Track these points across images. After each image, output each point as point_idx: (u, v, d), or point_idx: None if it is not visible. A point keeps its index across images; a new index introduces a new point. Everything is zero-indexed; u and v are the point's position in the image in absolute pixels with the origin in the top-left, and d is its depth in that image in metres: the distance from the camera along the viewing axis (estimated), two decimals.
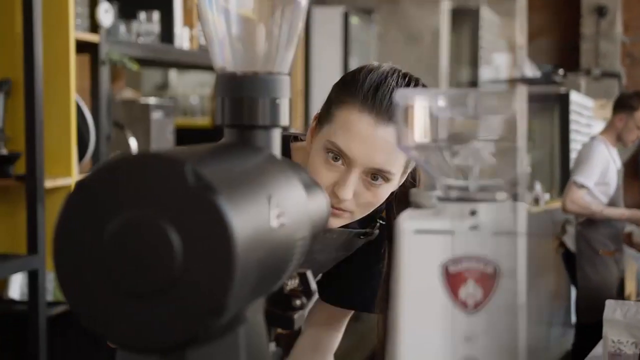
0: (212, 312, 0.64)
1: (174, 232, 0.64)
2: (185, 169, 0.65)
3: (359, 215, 1.33)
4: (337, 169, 1.29)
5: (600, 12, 9.39)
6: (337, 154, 1.28)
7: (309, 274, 0.92)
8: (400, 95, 0.74)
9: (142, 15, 3.22)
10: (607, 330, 1.91)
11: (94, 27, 2.82)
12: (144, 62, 3.39)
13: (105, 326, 0.66)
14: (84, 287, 0.66)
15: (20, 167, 2.54)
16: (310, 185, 0.92)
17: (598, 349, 2.22)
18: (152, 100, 3.38)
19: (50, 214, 2.52)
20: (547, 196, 6.55)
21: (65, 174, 2.63)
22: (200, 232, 0.64)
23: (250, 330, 0.75)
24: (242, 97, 0.84)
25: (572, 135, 7.32)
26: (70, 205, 0.67)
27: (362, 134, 1.26)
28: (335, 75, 6.86)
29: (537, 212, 6.26)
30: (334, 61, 5.79)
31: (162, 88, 5.93)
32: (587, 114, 7.78)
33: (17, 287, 2.78)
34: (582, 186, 4.40)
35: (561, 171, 7.45)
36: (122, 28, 3.13)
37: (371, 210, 1.34)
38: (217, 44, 0.87)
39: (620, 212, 4.56)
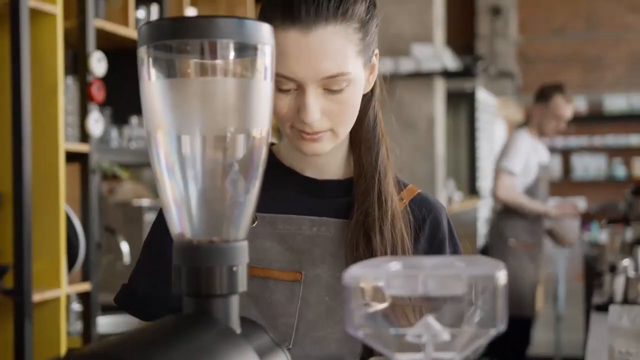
0: None
1: None
2: None
3: (342, 130, 1.23)
4: (291, 95, 1.19)
5: (495, 12, 9.59)
6: (282, 83, 1.17)
7: None
8: (350, 275, 0.74)
9: (134, 119, 3.25)
10: (612, 339, 1.72)
11: (85, 135, 2.84)
12: (136, 165, 3.42)
13: None
14: None
15: (8, 280, 2.52)
16: (272, 348, 0.91)
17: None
18: (145, 202, 3.39)
19: (38, 329, 2.51)
20: (459, 195, 6.57)
21: (54, 286, 2.62)
22: None
23: None
24: (199, 267, 0.84)
25: (477, 133, 7.41)
26: None
27: (295, 50, 1.15)
28: None
29: (453, 212, 6.25)
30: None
31: None
32: (491, 112, 7.92)
33: None
34: (510, 172, 4.41)
35: (468, 169, 7.48)
36: (114, 133, 3.16)
37: (353, 120, 1.24)
38: (174, 210, 0.87)
39: (546, 208, 4.53)
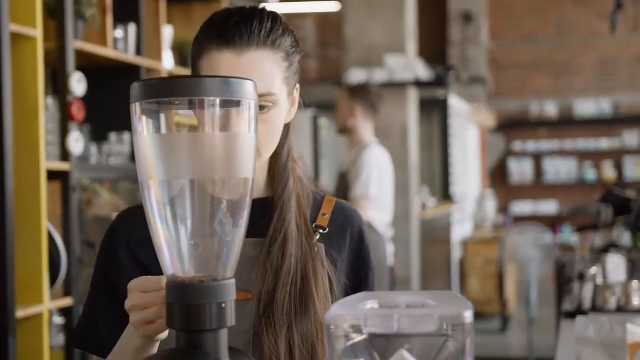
0: None
1: None
2: None
3: (266, 151, 1.29)
4: None
5: (466, 18, 9.72)
6: None
7: None
8: (331, 315, 0.81)
9: (113, 136, 3.31)
10: (580, 349, 1.77)
11: (65, 154, 2.89)
12: (116, 180, 3.47)
13: None
14: None
15: None
16: None
17: None
18: None
19: (22, 344, 2.55)
20: (433, 201, 6.69)
21: (37, 302, 2.67)
22: None
23: None
24: (190, 304, 0.91)
25: (450, 140, 7.58)
26: None
27: (229, 69, 1.24)
28: None
29: (427, 218, 6.33)
30: (305, 164, 5.89)
31: None
32: (464, 118, 8.10)
33: None
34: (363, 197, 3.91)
35: (442, 175, 7.65)
36: (94, 149, 3.21)
37: (276, 144, 1.30)
38: (166, 253, 0.93)
39: None
